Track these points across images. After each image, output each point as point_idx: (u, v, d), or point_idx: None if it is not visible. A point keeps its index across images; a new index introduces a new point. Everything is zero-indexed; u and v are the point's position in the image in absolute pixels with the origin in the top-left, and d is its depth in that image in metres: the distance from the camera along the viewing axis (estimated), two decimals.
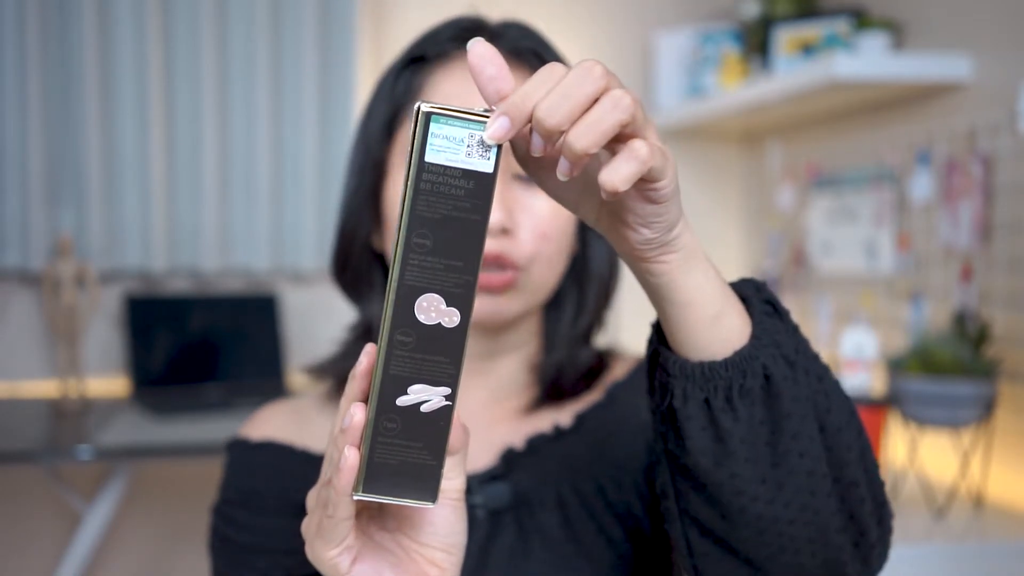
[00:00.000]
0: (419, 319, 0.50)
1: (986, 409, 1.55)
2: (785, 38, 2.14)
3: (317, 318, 2.51)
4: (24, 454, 1.90)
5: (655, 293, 0.57)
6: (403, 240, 0.49)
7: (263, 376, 2.43)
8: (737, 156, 2.74)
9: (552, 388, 0.83)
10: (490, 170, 0.48)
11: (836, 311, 2.23)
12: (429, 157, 0.48)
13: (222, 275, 2.48)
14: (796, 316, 2.37)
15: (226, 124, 2.43)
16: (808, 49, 2.10)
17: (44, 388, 2.39)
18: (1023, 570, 1.47)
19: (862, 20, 2.00)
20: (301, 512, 0.78)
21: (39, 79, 2.29)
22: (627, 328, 2.08)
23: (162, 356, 2.36)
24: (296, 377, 2.48)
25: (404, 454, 0.52)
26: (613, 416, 0.82)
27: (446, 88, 0.77)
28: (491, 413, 0.83)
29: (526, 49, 0.78)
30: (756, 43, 2.32)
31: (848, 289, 2.19)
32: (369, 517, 0.58)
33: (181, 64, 2.39)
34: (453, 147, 0.48)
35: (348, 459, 0.51)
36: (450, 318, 0.50)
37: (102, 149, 2.35)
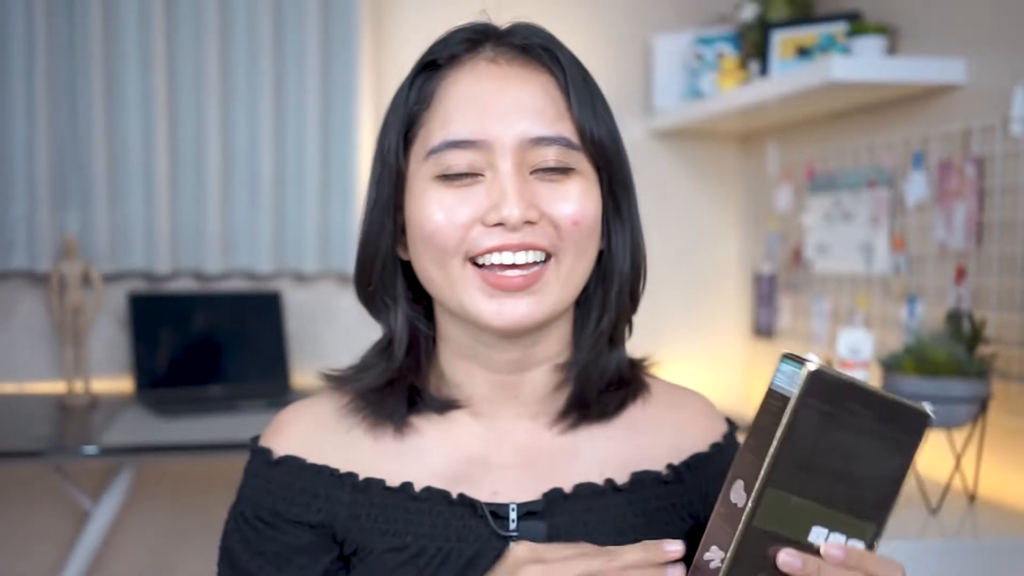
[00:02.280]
0: None
1: (979, 408, 1.57)
2: (782, 41, 2.16)
3: (319, 319, 2.53)
4: (31, 452, 1.92)
5: None
6: None
7: (266, 377, 2.45)
8: (735, 157, 2.76)
9: (579, 393, 0.82)
10: None
11: (832, 311, 2.25)
12: None
13: (225, 277, 2.50)
14: (793, 316, 2.39)
15: (229, 127, 2.45)
16: (804, 52, 2.12)
17: (50, 387, 2.41)
18: (1016, 566, 1.50)
19: (857, 24, 2.02)
20: (312, 529, 0.79)
21: (46, 83, 2.31)
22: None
23: (166, 356, 2.38)
24: (298, 378, 2.50)
25: None
26: (672, 494, 0.82)
27: (458, 90, 0.77)
28: (526, 430, 0.83)
29: (535, 45, 0.78)
30: (753, 46, 2.35)
31: (844, 289, 2.21)
32: None
33: (185, 68, 2.41)
34: None
35: None
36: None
37: (107, 152, 2.37)
